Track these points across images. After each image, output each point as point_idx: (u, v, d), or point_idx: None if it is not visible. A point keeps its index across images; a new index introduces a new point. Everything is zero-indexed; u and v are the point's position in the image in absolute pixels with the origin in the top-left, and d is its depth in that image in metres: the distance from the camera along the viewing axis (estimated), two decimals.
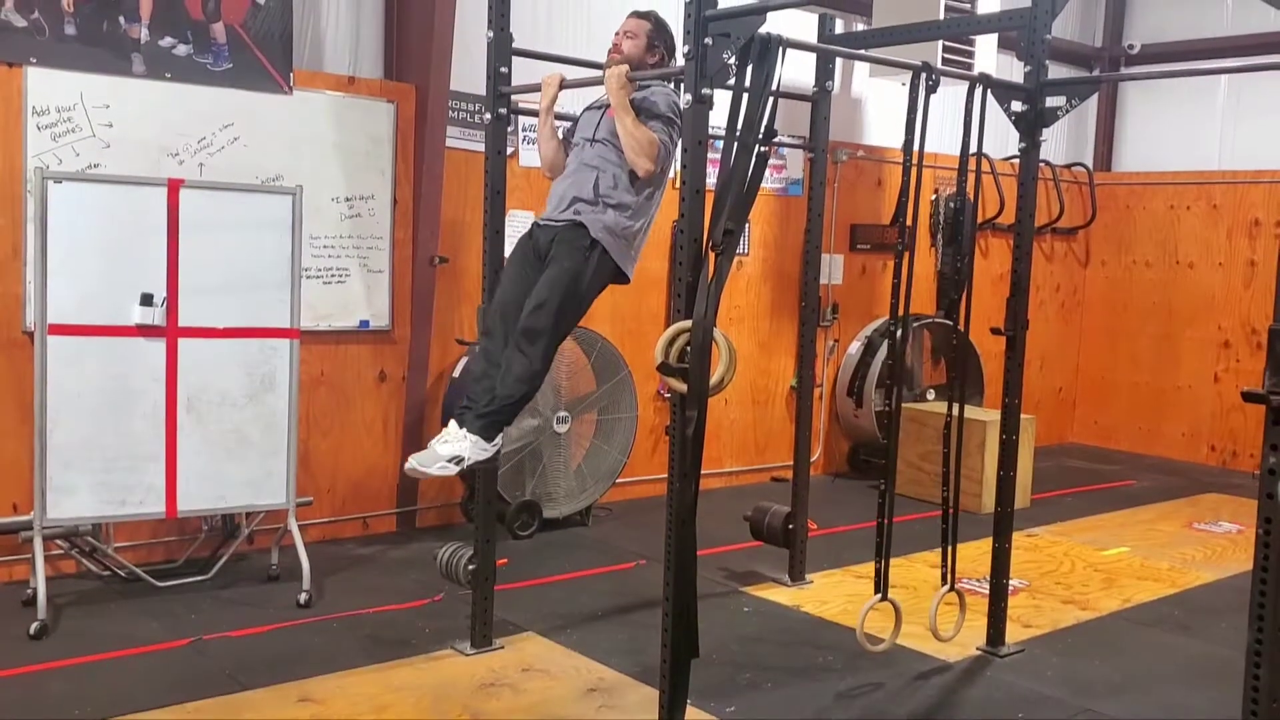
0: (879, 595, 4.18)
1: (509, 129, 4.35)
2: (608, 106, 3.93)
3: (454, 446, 3.80)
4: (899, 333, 4.11)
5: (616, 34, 4.13)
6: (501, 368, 3.85)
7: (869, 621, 4.09)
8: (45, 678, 4.03)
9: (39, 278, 4.51)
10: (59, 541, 4.87)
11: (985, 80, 4.27)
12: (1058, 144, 9.40)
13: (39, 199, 4.49)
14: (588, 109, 4.19)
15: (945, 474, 4.28)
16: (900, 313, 4.03)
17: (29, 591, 4.65)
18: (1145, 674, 4.48)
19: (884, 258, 8.10)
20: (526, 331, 3.82)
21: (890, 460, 4.18)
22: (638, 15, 4.14)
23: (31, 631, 4.36)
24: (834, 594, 5.27)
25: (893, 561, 4.22)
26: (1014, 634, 4.73)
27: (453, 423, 3.88)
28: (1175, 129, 9.22)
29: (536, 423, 6.03)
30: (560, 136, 4.22)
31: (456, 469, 3.81)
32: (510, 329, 3.90)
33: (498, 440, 3.89)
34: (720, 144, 3.54)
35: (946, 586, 4.34)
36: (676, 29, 3.93)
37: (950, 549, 4.32)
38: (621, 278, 4.01)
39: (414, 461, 3.83)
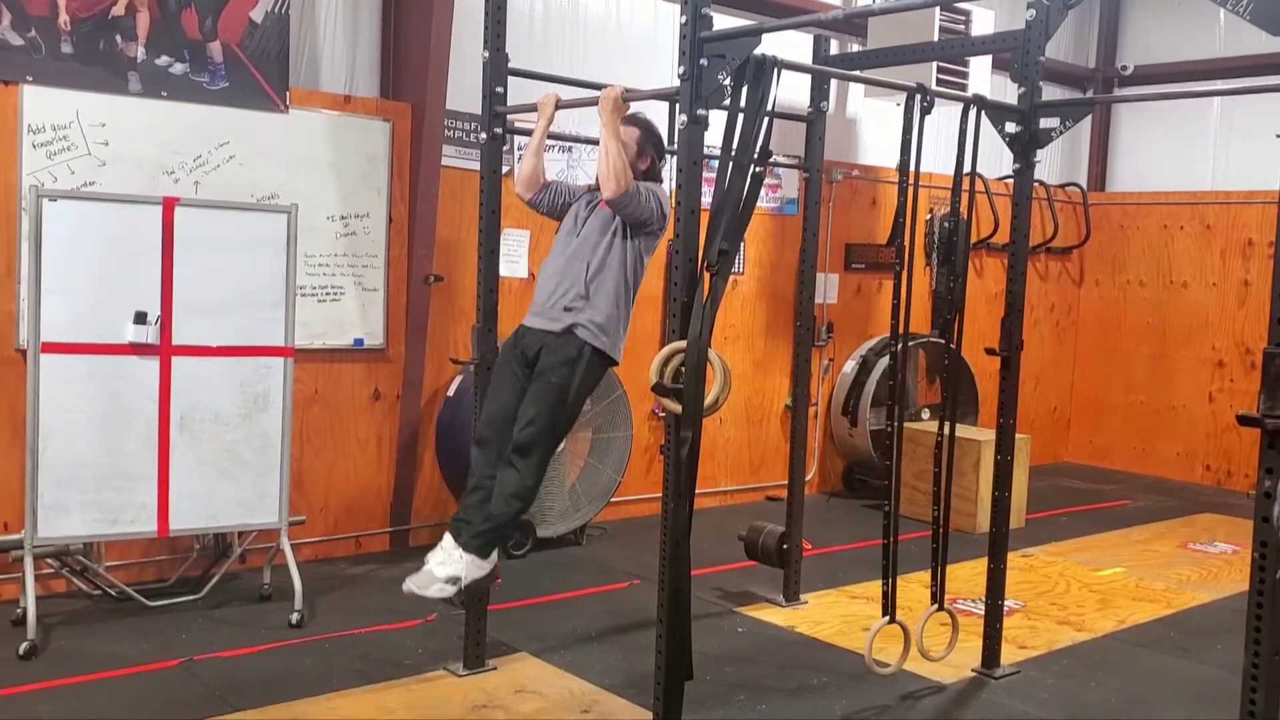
0: (887, 618, 4.16)
1: (504, 148, 4.35)
2: (601, 200, 3.89)
3: (451, 568, 3.81)
4: (900, 350, 4.11)
5: None
6: (495, 480, 3.85)
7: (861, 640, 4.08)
8: (34, 699, 4.00)
9: (33, 296, 4.51)
10: (50, 560, 4.84)
11: (979, 102, 4.29)
12: (1052, 163, 9.43)
13: (34, 217, 4.48)
14: (588, 190, 4.12)
15: (936, 493, 4.28)
16: (901, 331, 4.04)
17: (19, 611, 4.63)
18: (1141, 696, 4.46)
19: (879, 277, 8.12)
20: (519, 447, 3.80)
21: (895, 480, 4.18)
22: (626, 122, 3.94)
23: (21, 652, 4.33)
24: (829, 614, 5.25)
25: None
26: (1009, 655, 4.72)
27: (448, 538, 3.88)
28: (1168, 149, 9.26)
29: None
30: (546, 176, 4.17)
31: (454, 589, 3.83)
32: (503, 439, 3.87)
33: (493, 556, 3.90)
34: (716, 164, 3.55)
35: (936, 606, 4.33)
36: (674, 49, 3.92)
37: (940, 569, 4.31)
38: (611, 363, 3.97)
39: (410, 585, 3.84)
